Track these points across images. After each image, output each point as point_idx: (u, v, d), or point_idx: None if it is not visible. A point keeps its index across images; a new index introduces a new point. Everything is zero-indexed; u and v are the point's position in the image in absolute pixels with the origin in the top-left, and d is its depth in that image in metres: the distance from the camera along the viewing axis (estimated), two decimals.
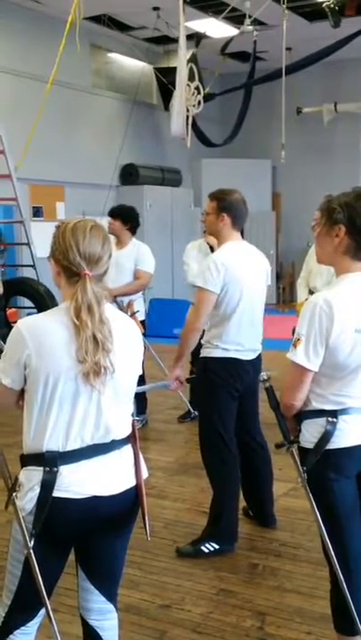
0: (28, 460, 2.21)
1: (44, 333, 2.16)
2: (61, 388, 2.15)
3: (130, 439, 2.30)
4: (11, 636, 2.29)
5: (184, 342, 3.89)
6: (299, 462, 2.52)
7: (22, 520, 2.17)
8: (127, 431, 2.29)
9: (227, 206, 3.89)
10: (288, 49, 10.19)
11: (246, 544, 3.97)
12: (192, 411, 6.24)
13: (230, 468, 3.90)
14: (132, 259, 5.95)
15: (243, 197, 3.97)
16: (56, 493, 2.15)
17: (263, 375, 2.67)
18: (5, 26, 10.56)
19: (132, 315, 5.46)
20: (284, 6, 9.67)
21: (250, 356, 3.90)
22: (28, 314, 8.09)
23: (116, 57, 13.20)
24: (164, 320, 8.80)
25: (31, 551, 2.17)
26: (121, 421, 2.26)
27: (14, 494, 2.20)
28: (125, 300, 5.80)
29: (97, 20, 11.33)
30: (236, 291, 3.75)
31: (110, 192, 11.91)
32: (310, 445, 2.49)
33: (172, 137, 10.94)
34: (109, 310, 2.24)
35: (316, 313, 2.40)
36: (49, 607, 2.22)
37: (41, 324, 2.19)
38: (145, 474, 2.34)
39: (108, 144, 12.31)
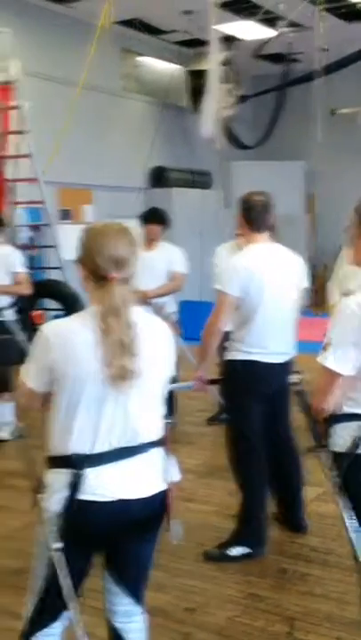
0: (54, 461, 2.20)
1: (70, 337, 2.16)
2: (87, 392, 2.14)
3: (160, 442, 2.28)
4: (34, 638, 2.29)
5: (204, 344, 3.88)
6: (330, 467, 2.48)
7: (48, 521, 2.16)
8: (157, 434, 2.27)
9: (244, 209, 3.90)
10: (325, 50, 10.11)
11: (275, 548, 3.92)
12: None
13: (257, 470, 3.86)
14: (163, 260, 5.94)
15: (265, 200, 3.92)
16: (82, 496, 2.14)
17: (294, 378, 2.64)
18: (37, 30, 10.65)
19: (167, 317, 5.45)
20: (320, 7, 9.60)
21: (277, 359, 3.83)
22: (56, 316, 8.12)
23: (146, 60, 13.23)
24: (193, 322, 8.79)
25: (56, 552, 2.16)
26: (150, 424, 2.24)
27: (40, 495, 2.19)
28: (160, 301, 5.79)
29: (128, 24, 11.36)
30: (258, 293, 3.70)
31: (139, 195, 11.93)
32: (342, 449, 2.45)
33: (203, 139, 10.93)
34: (137, 313, 2.22)
35: (348, 316, 2.36)
36: (74, 609, 2.20)
37: (67, 328, 2.19)
38: (176, 477, 2.31)
39: (138, 147, 12.34)
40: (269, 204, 3.94)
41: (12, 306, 6.06)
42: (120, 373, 2.11)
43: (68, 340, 2.16)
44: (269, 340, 3.79)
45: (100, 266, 2.18)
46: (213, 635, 3.12)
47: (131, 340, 2.13)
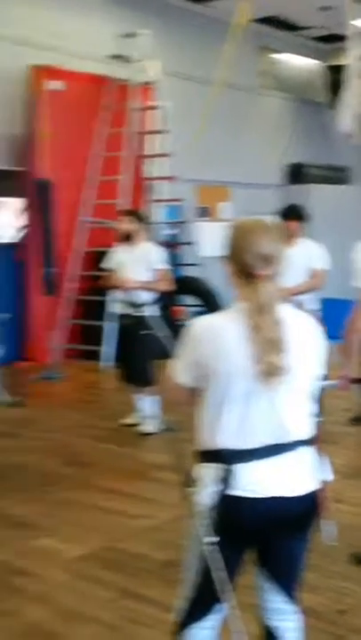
0: (205, 456, 2.22)
1: (220, 333, 2.18)
2: (237, 388, 2.15)
3: (311, 441, 2.25)
4: (188, 629, 2.32)
5: (347, 342, 3.81)
6: None
7: (199, 515, 2.19)
8: (307, 432, 2.24)
9: None
10: None
11: None
12: None
13: None
14: (303, 257, 5.89)
15: None
16: (233, 491, 2.16)
17: None
18: (176, 31, 10.85)
19: (313, 313, 5.40)
20: None
21: None
22: (198, 313, 8.24)
23: (282, 57, 13.16)
24: (334, 320, 8.65)
25: (209, 546, 2.18)
26: (299, 422, 2.22)
27: (190, 489, 2.22)
28: (300, 299, 5.74)
29: (265, 21, 11.36)
30: None
31: (276, 192, 11.88)
32: None
33: (341, 135, 10.75)
34: (285, 310, 2.21)
35: None
36: (228, 604, 2.22)
37: (217, 324, 2.21)
38: (329, 477, 2.28)
39: (274, 144, 12.29)
40: None
41: (155, 302, 6.21)
42: (269, 370, 2.11)
43: (217, 335, 2.17)
44: None
45: (247, 263, 2.18)
46: None
47: (279, 336, 2.13)
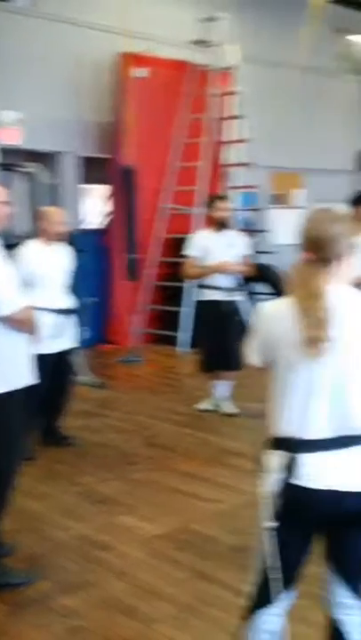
0: (272, 443, 2.29)
1: (278, 316, 2.30)
2: (296, 375, 2.23)
3: None
4: (256, 615, 2.39)
5: None
6: None
7: (264, 501, 2.27)
8: None
9: None
10: None
11: None
12: None
13: None
14: None
15: None
16: (296, 481, 2.21)
17: None
18: (252, 14, 10.77)
19: None
20: None
21: None
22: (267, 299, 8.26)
23: (358, 39, 12.88)
24: None
25: (270, 532, 2.25)
26: None
27: (259, 475, 2.30)
28: None
29: (341, 2, 11.13)
30: None
31: (348, 178, 11.71)
32: None
33: None
34: (345, 295, 2.27)
35: None
36: (289, 592, 2.30)
37: (279, 309, 2.32)
38: None
39: (350, 129, 12.09)
40: None
41: (241, 287, 6.34)
42: (313, 341, 2.17)
43: (276, 319, 2.30)
44: None
45: (303, 248, 2.30)
46: None
47: (327, 318, 2.18)
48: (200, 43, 10.01)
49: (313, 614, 2.57)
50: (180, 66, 9.95)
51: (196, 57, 9.95)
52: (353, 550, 2.34)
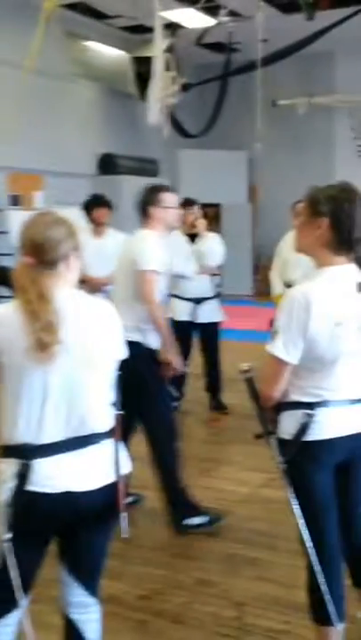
0: (5, 451, 2.21)
1: (6, 323, 2.19)
2: (25, 378, 2.16)
3: (110, 433, 2.29)
4: None
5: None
6: (277, 453, 2.54)
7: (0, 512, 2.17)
8: (107, 424, 2.28)
9: None
10: (264, 40, 10.22)
11: (225, 534, 4.00)
12: None
13: None
14: (113, 248, 5.94)
15: None
16: (30, 487, 2.16)
17: (244, 366, 2.68)
18: None
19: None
20: None
21: None
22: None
23: (93, 45, 13.11)
24: None
25: (5, 543, 2.16)
26: (98, 414, 2.25)
27: None
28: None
29: (73, 7, 11.23)
30: None
31: (88, 182, 11.86)
32: (289, 437, 2.51)
33: (150, 127, 10.92)
34: (74, 297, 2.25)
35: (295, 306, 2.41)
36: (23, 600, 2.21)
37: (3, 313, 2.22)
38: (127, 469, 2.34)
39: (87, 133, 12.26)
40: None
41: None
42: (46, 350, 2.11)
43: (4, 324, 2.18)
44: None
45: (22, 251, 2.24)
46: (167, 622, 3.18)
47: (57, 321, 2.14)
48: None
49: (53, 618, 2.49)
50: None
51: None
52: (88, 549, 2.34)
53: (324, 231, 2.47)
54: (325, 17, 10.64)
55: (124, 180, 12.52)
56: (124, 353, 2.35)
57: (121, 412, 2.33)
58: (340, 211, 2.44)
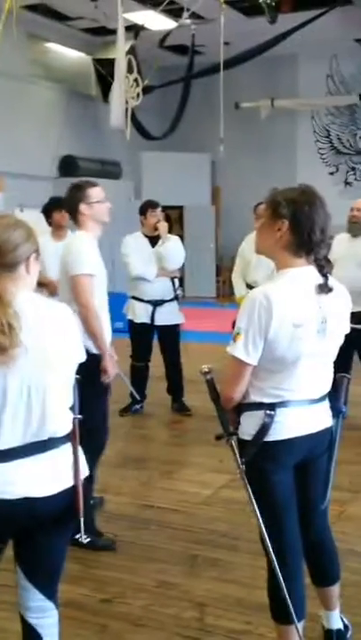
0: None
1: None
2: None
3: (68, 437, 2.27)
4: None
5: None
6: (237, 454, 2.55)
7: None
8: (66, 428, 2.26)
9: None
10: (226, 43, 10.27)
11: (186, 536, 4.00)
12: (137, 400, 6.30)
13: None
14: None
15: None
16: None
17: (204, 368, 2.68)
18: None
19: None
20: (222, 0, 9.71)
21: None
22: None
23: (54, 47, 13.05)
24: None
25: None
26: (57, 417, 2.22)
27: None
28: None
29: (34, 8, 11.16)
30: None
31: (49, 184, 11.78)
32: (249, 437, 2.52)
33: (112, 129, 10.90)
34: (32, 301, 2.22)
35: (256, 307, 2.42)
36: None
37: None
38: (85, 473, 2.32)
39: (47, 135, 12.18)
40: None
41: None
42: (4, 353, 2.08)
43: None
44: None
45: None
46: (128, 624, 3.16)
47: (16, 324, 2.11)
48: None
49: (11, 624, 2.46)
50: None
51: None
52: (46, 553, 2.32)
53: (284, 233, 2.49)
54: (288, 20, 10.74)
55: None
56: (82, 356, 2.34)
57: (79, 417, 2.30)
58: (301, 213, 2.46)
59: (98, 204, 3.94)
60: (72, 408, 2.30)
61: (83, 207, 3.91)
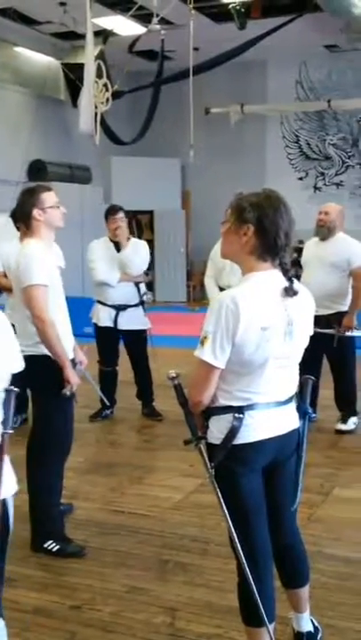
0: None
1: None
2: None
3: None
4: None
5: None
6: (206, 458, 2.55)
7: None
8: None
9: None
10: (196, 49, 10.29)
11: (157, 541, 3.99)
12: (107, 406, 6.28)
13: None
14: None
15: None
16: None
17: (171, 373, 2.68)
18: None
19: None
20: (191, 6, 9.74)
21: None
22: None
23: (22, 51, 12.98)
24: (75, 318, 8.70)
25: None
26: None
27: None
28: None
29: (3, 12, 11.11)
30: None
31: (18, 188, 11.68)
32: (218, 441, 2.52)
33: (81, 133, 10.85)
34: None
35: (223, 311, 2.42)
36: None
37: None
38: (12, 489, 2.26)
39: (16, 139, 12.10)
40: None
41: None
42: None
43: None
44: None
45: None
46: (99, 631, 3.14)
47: None
48: None
49: None
50: None
51: None
52: None
53: (250, 238, 2.50)
54: (257, 26, 10.79)
55: (54, 186, 12.34)
56: (18, 366, 2.26)
57: (8, 432, 2.20)
58: (266, 218, 2.47)
59: (52, 209, 3.79)
60: (3, 422, 2.20)
61: (36, 213, 3.76)
